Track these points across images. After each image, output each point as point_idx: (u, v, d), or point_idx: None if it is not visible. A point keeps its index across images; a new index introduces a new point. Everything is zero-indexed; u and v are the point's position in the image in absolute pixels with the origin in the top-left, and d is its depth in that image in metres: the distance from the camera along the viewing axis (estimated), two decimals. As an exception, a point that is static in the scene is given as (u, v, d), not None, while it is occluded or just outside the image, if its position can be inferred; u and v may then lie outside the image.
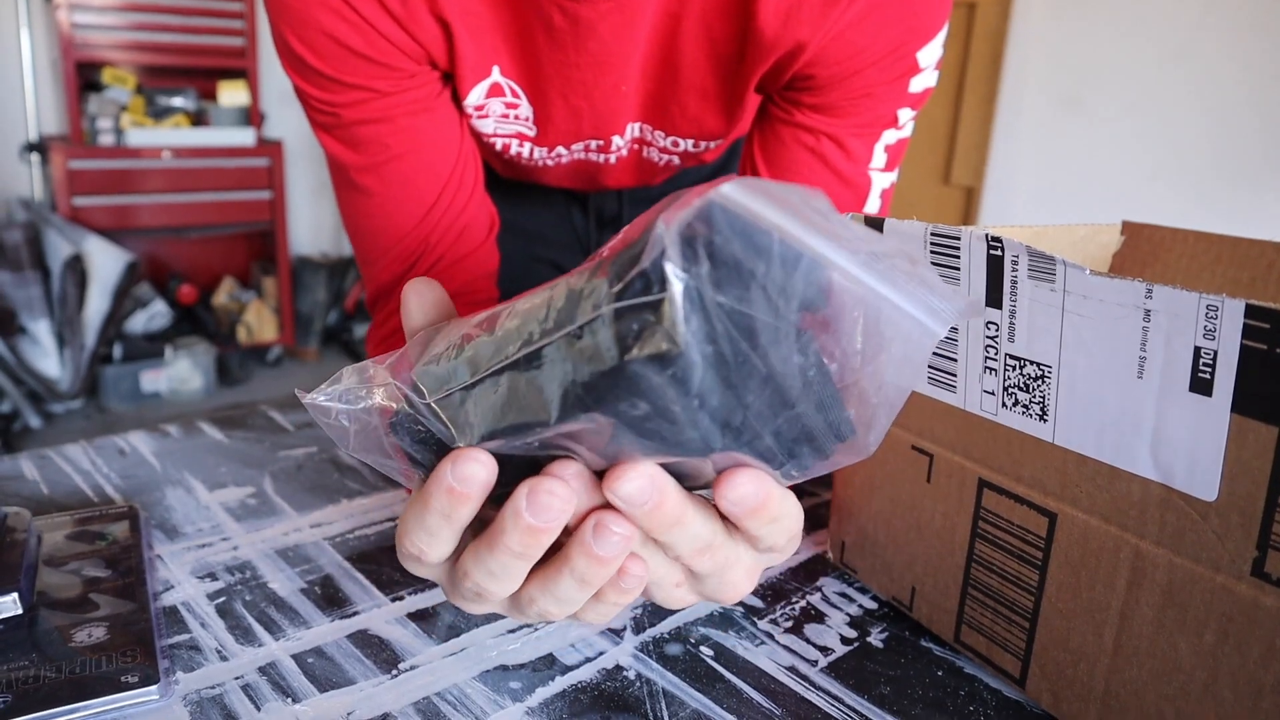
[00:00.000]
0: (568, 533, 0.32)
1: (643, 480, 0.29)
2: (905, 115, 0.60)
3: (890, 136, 0.61)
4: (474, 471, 0.30)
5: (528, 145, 0.65)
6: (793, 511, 0.33)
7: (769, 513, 0.31)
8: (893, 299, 0.26)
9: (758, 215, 0.24)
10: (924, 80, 0.58)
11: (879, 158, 0.61)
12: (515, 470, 0.31)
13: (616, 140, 0.65)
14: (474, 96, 0.60)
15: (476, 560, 0.32)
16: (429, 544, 0.33)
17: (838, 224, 0.25)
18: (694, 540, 0.32)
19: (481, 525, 0.34)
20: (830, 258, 0.25)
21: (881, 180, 0.63)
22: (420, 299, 0.37)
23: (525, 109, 0.62)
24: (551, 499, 0.29)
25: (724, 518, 0.33)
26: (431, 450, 0.32)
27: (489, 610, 0.37)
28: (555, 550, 0.33)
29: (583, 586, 0.32)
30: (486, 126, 0.62)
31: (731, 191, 0.24)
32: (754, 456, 0.28)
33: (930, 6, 0.55)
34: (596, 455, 0.29)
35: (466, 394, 0.30)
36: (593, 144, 0.65)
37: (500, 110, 0.61)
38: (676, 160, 0.67)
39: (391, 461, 0.34)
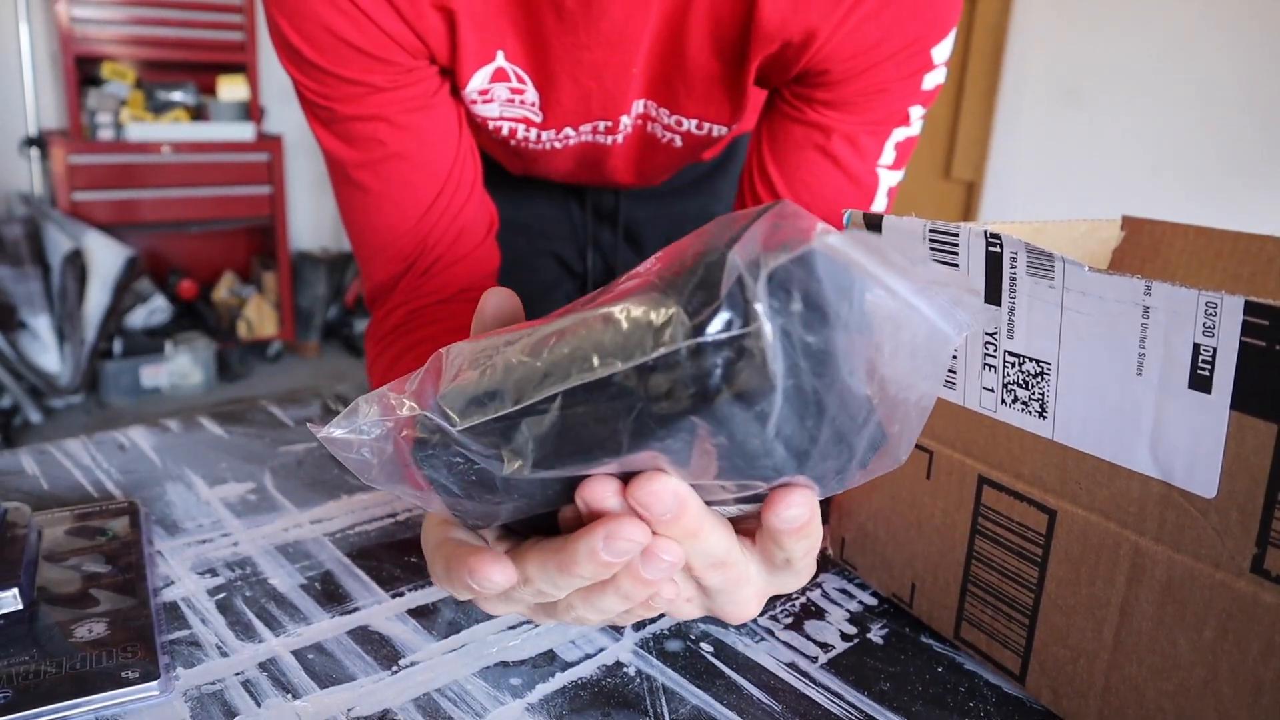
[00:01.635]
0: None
1: (666, 493, 0.29)
2: (916, 113, 0.60)
3: (900, 134, 0.61)
4: (489, 589, 0.33)
5: (534, 130, 0.64)
6: (819, 530, 0.33)
7: (809, 529, 0.32)
8: (916, 304, 0.26)
9: (855, 263, 0.25)
10: (936, 77, 0.58)
11: (888, 155, 0.61)
12: (544, 486, 0.31)
13: (624, 120, 0.64)
14: (477, 80, 0.59)
15: (544, 574, 0.33)
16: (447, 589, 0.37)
17: (918, 265, 0.26)
18: (709, 555, 0.33)
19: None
20: (889, 283, 0.26)
21: (889, 178, 0.63)
22: (497, 311, 0.38)
23: (531, 94, 0.61)
24: (628, 545, 0.30)
25: (739, 534, 0.34)
26: (468, 478, 0.32)
27: (516, 611, 0.38)
28: None
29: (624, 602, 0.34)
30: (491, 111, 0.62)
31: (837, 243, 0.24)
32: (809, 477, 0.29)
33: (945, 2, 0.54)
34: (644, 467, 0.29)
35: (512, 421, 0.28)
36: (600, 125, 0.65)
37: (505, 95, 0.61)
38: (679, 141, 0.67)
39: (416, 493, 0.34)
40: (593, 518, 0.31)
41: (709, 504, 0.32)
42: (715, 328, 0.24)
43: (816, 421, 0.26)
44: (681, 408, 0.25)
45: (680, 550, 0.31)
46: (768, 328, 0.24)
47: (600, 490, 0.30)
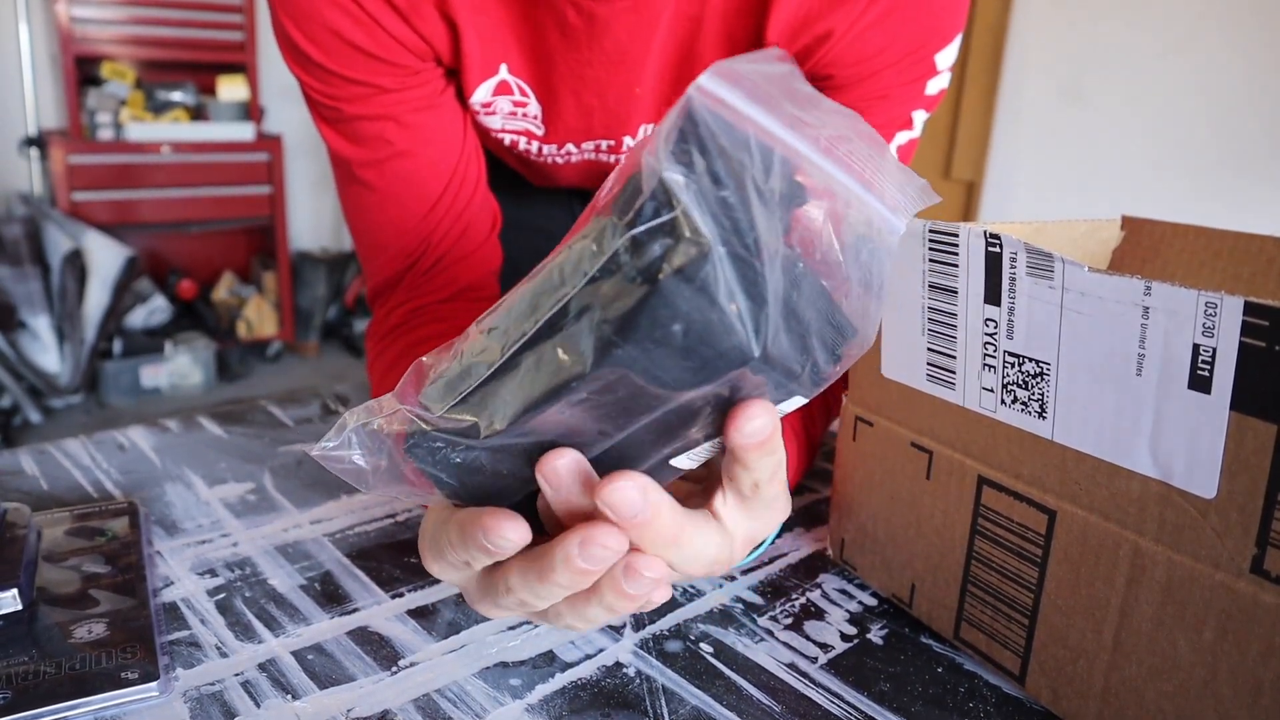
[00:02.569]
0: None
1: (632, 492, 0.30)
2: (919, 117, 0.60)
3: (902, 137, 0.61)
4: (505, 546, 0.32)
5: (536, 143, 0.64)
6: (782, 450, 0.33)
7: (772, 443, 0.31)
8: (860, 194, 0.27)
9: (734, 108, 0.25)
10: (939, 83, 0.58)
11: None
12: (528, 457, 0.31)
13: (628, 141, 0.64)
14: (480, 94, 0.59)
15: (524, 582, 0.33)
16: (449, 573, 0.37)
17: (802, 99, 0.26)
18: (696, 560, 0.33)
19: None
20: (799, 150, 0.26)
21: None
22: None
23: (534, 107, 0.61)
24: (604, 552, 0.31)
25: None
26: (456, 461, 0.32)
27: (512, 615, 0.38)
28: None
29: (609, 613, 0.34)
30: (494, 123, 0.62)
31: (707, 82, 0.24)
32: (779, 373, 0.28)
33: (950, 8, 0.54)
34: (620, 421, 0.29)
35: (487, 387, 0.29)
36: (603, 144, 0.65)
37: (508, 108, 0.61)
38: None
39: (416, 490, 0.34)
40: (560, 509, 0.32)
41: (684, 450, 0.32)
42: (644, 219, 0.25)
43: (762, 283, 0.25)
44: (632, 300, 0.25)
45: (663, 566, 0.32)
46: (685, 194, 0.24)
47: (553, 460, 0.30)
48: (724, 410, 0.30)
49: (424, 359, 0.32)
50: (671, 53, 0.57)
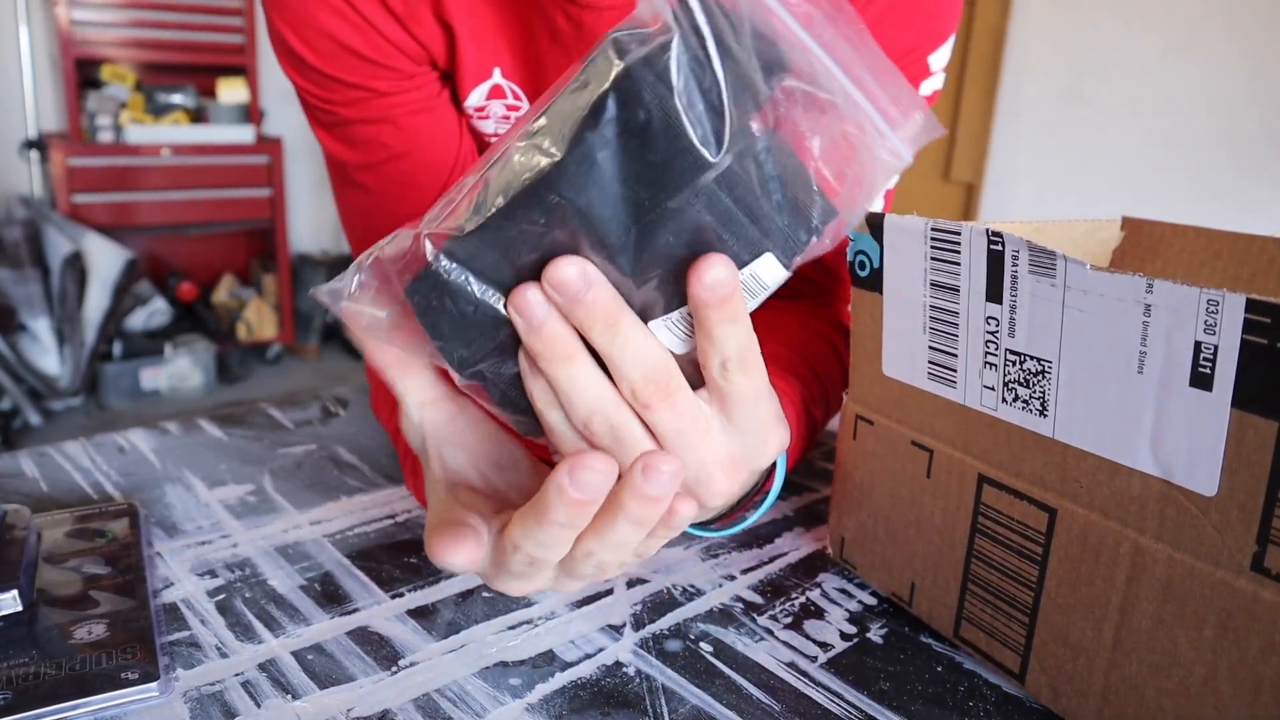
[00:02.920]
0: None
1: (569, 267, 0.30)
2: None
3: None
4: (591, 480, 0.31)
5: None
6: (747, 319, 0.33)
7: (733, 308, 0.31)
8: (857, 99, 0.29)
9: None
10: (933, 84, 0.58)
11: None
12: (523, 270, 0.32)
13: None
14: (474, 98, 0.59)
15: (525, 532, 0.32)
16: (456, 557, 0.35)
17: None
18: (640, 358, 0.33)
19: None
20: (798, 36, 0.29)
21: None
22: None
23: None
24: (593, 475, 0.30)
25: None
26: (449, 311, 0.32)
27: (537, 586, 0.37)
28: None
29: (638, 529, 0.33)
30: (487, 127, 0.62)
31: None
32: (744, 212, 0.29)
33: (943, 10, 0.55)
34: (605, 233, 0.30)
35: (477, 195, 0.31)
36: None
37: (501, 112, 0.61)
38: None
39: (414, 342, 0.34)
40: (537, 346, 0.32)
41: (662, 314, 0.32)
42: (630, 29, 0.28)
43: (727, 103, 0.27)
44: (601, 87, 0.27)
45: (678, 461, 0.31)
46: (665, 8, 0.27)
47: (524, 292, 0.31)
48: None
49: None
50: None
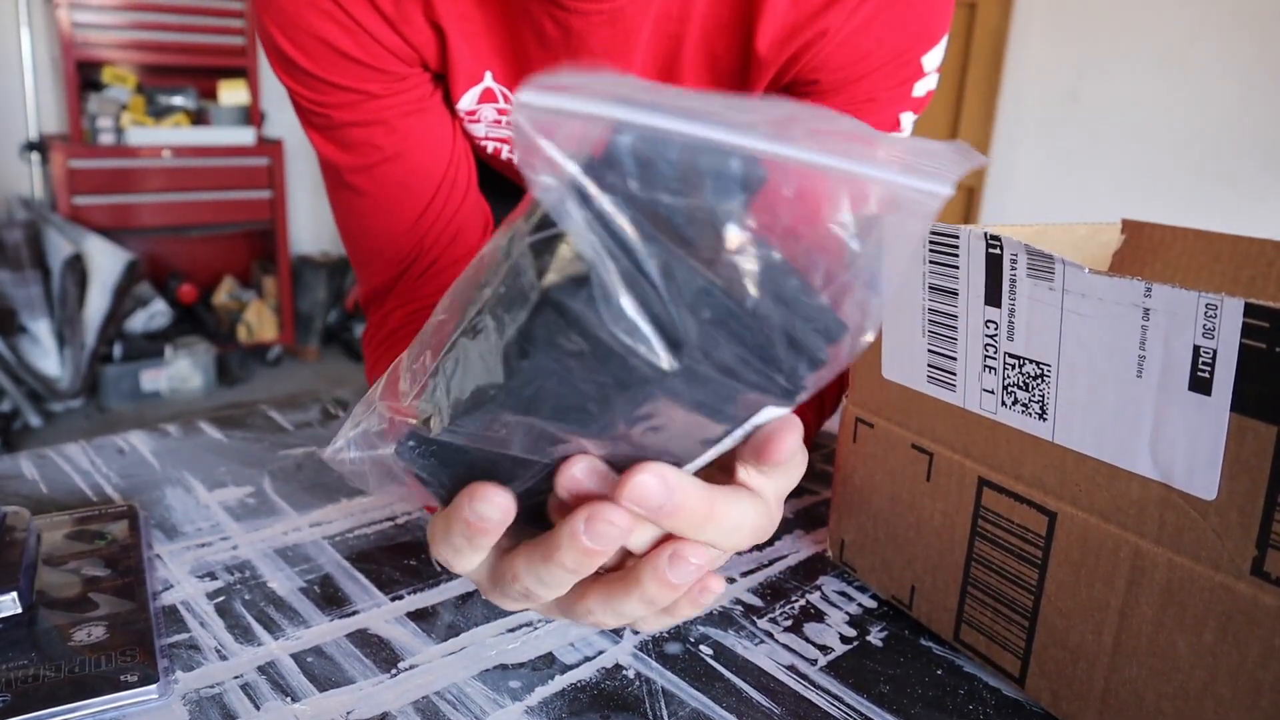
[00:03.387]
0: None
1: (651, 483, 0.28)
2: (907, 120, 0.60)
3: None
4: (488, 512, 0.30)
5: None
6: (802, 454, 0.32)
7: (800, 458, 0.31)
8: (873, 173, 0.24)
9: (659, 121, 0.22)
10: (926, 84, 0.58)
11: None
12: (529, 464, 0.30)
13: None
14: (466, 101, 0.59)
15: (529, 567, 0.32)
16: (455, 559, 0.33)
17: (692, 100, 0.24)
18: (735, 531, 0.32)
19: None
20: (754, 147, 0.23)
21: None
22: None
23: None
24: (610, 528, 0.29)
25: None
26: (440, 465, 0.31)
27: (530, 610, 0.37)
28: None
29: (647, 606, 0.32)
30: (478, 130, 0.62)
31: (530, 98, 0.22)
32: (734, 381, 0.26)
33: (935, 11, 0.54)
34: (590, 440, 0.28)
35: (435, 380, 0.29)
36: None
37: (492, 115, 0.61)
38: None
39: (412, 491, 0.34)
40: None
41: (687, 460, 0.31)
42: (539, 227, 0.24)
43: (689, 297, 0.24)
44: (526, 312, 0.24)
45: (707, 552, 0.30)
46: (571, 203, 0.22)
47: (571, 470, 0.29)
48: (708, 438, 0.29)
49: (403, 355, 0.32)
50: (652, 72, 0.57)
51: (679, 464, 0.30)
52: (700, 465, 0.32)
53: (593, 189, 0.22)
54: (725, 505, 0.31)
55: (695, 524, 0.30)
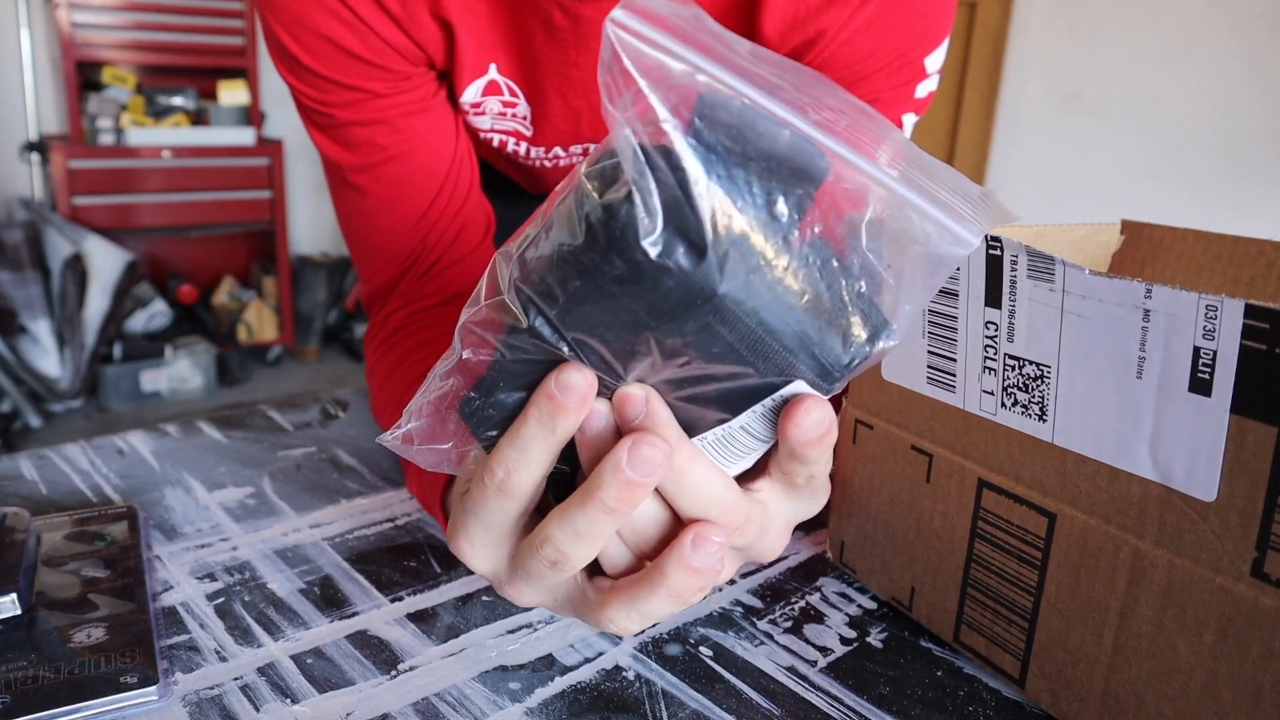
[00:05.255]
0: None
1: (635, 393, 0.29)
2: (909, 121, 0.60)
3: None
4: (574, 380, 0.29)
5: (524, 144, 0.64)
6: (835, 434, 0.32)
7: (831, 437, 0.31)
8: (918, 203, 0.27)
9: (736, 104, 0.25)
10: (928, 85, 0.58)
11: None
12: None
13: None
14: (470, 93, 0.59)
15: (563, 521, 0.31)
16: (515, 475, 0.32)
17: (767, 64, 0.27)
18: (749, 522, 0.32)
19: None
20: (850, 158, 0.26)
21: None
22: None
23: (523, 107, 0.61)
24: (653, 452, 0.29)
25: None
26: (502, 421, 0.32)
27: (545, 600, 0.36)
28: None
29: (674, 602, 0.32)
30: (483, 123, 0.62)
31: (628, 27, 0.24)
32: (783, 349, 0.27)
33: (938, 11, 0.54)
34: (624, 358, 0.29)
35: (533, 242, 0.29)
36: (592, 148, 0.65)
37: (497, 108, 0.61)
38: None
39: (451, 457, 0.34)
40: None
41: (711, 427, 0.31)
42: (605, 159, 0.26)
43: (712, 227, 0.25)
44: (579, 236, 0.26)
45: (725, 531, 0.31)
46: (626, 139, 0.24)
47: (629, 389, 0.29)
48: (744, 395, 0.29)
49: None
50: None
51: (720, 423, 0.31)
52: (745, 452, 0.33)
53: (676, 136, 0.24)
54: (737, 493, 0.32)
55: (711, 489, 0.31)
